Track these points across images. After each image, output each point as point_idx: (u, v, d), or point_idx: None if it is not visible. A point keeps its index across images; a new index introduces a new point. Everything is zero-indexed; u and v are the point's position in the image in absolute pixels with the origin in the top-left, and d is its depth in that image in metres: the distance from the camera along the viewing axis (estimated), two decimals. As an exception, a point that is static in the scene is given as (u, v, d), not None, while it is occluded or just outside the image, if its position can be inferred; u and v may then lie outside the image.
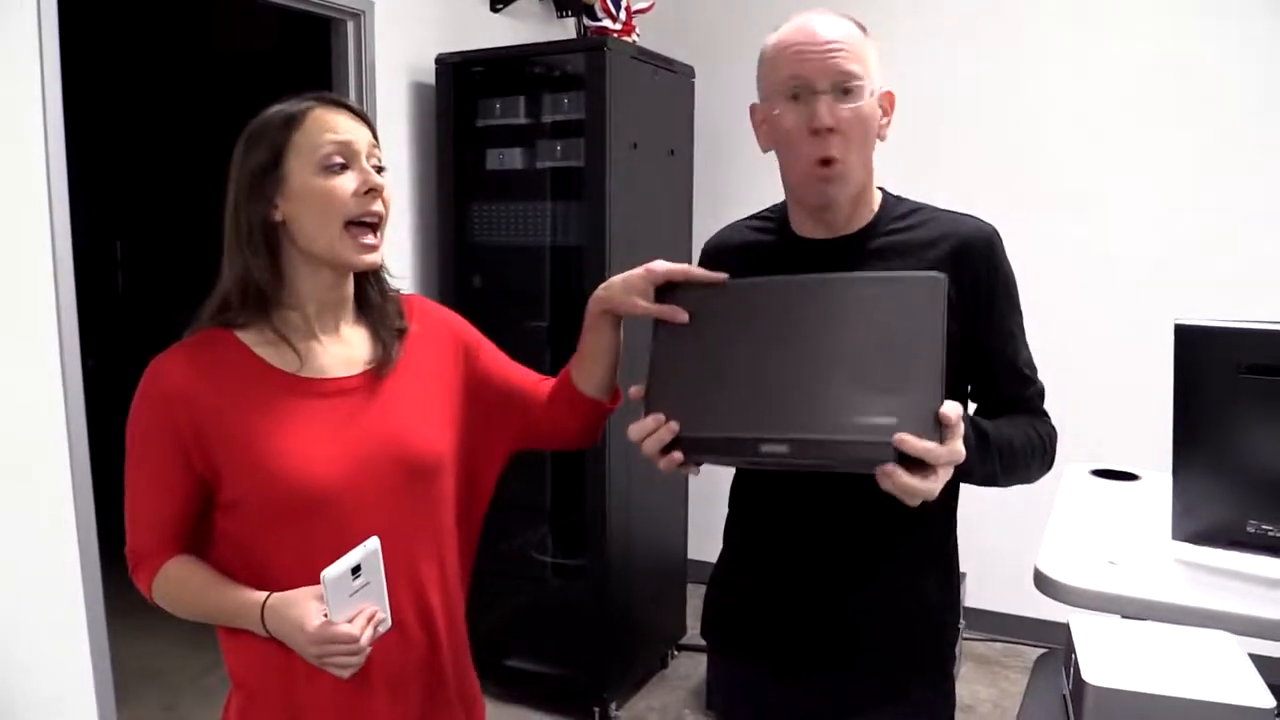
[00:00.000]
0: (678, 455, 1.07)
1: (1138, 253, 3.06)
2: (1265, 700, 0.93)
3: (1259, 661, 1.02)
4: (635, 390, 1.13)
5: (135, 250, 4.94)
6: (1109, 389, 3.05)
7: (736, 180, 3.43)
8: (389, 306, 1.19)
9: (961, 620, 2.71)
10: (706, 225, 1.43)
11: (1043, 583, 1.30)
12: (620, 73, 2.65)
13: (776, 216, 1.29)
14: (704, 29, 3.59)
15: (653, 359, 1.13)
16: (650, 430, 1.07)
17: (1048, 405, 1.26)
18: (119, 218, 4.83)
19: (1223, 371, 1.23)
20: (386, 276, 1.21)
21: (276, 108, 1.09)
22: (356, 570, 0.98)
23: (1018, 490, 1.22)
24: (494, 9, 3.26)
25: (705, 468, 1.09)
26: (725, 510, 1.35)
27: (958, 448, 0.98)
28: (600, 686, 2.79)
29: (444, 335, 1.24)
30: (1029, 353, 1.24)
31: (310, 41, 3.00)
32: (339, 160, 1.07)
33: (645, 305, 1.14)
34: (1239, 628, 1.12)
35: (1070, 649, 1.07)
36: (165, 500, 1.09)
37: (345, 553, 0.98)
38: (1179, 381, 1.27)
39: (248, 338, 1.10)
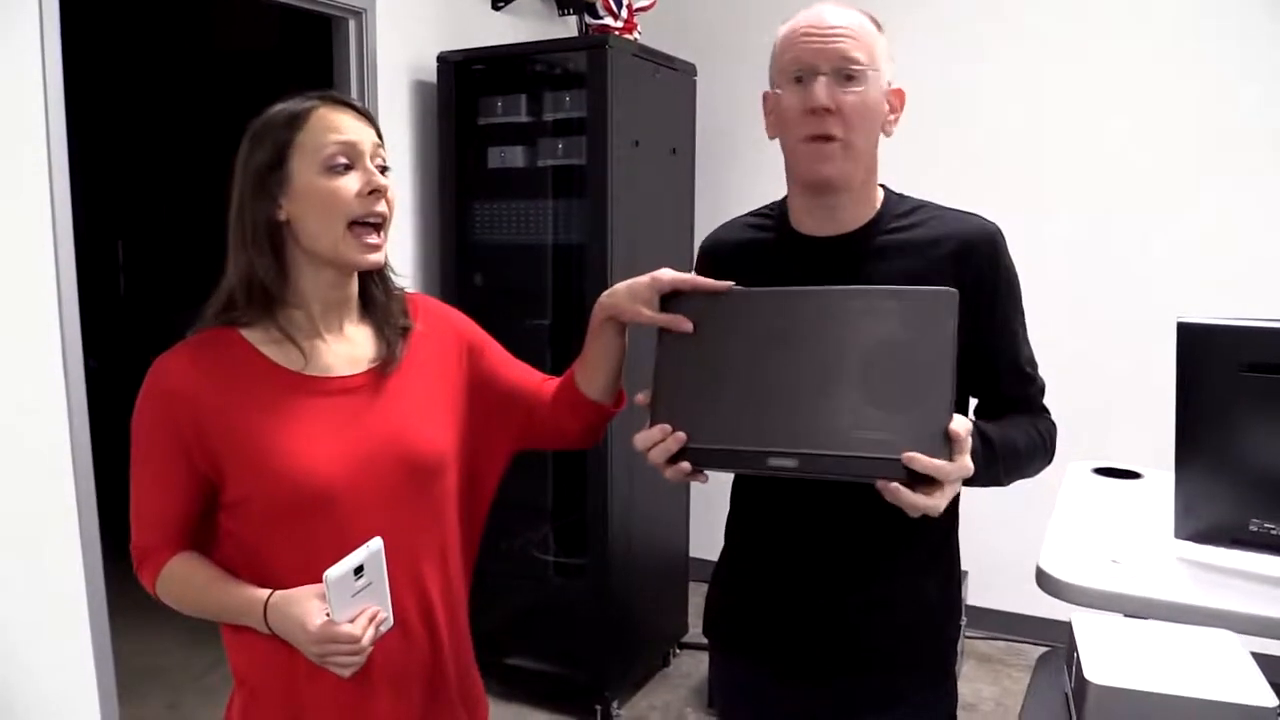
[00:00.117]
0: (686, 465, 1.07)
1: (1140, 251, 3.06)
2: (1268, 699, 0.93)
3: (1261, 660, 1.02)
4: (641, 397, 1.13)
5: (137, 251, 4.94)
6: (1111, 387, 3.05)
7: (738, 178, 3.43)
8: (393, 305, 1.19)
9: (963, 619, 2.71)
10: (708, 223, 1.43)
11: (1045, 581, 1.30)
12: (622, 71, 2.65)
13: (775, 214, 1.29)
14: (705, 27, 3.59)
15: (658, 367, 1.13)
16: (656, 440, 1.07)
17: (1049, 403, 1.26)
18: (121, 218, 4.83)
19: (1225, 369, 1.23)
20: (391, 275, 1.21)
21: (281, 106, 1.09)
22: (359, 571, 0.98)
23: (1019, 489, 1.22)
24: (495, 7, 3.26)
25: (709, 469, 1.09)
26: (727, 509, 1.35)
27: (966, 463, 0.98)
28: (602, 685, 2.79)
29: (448, 334, 1.24)
30: (1030, 351, 1.24)
31: (312, 40, 3.00)
32: (343, 161, 1.07)
33: (650, 314, 1.14)
34: (1241, 626, 1.12)
35: (1072, 647, 1.07)
36: (169, 498, 1.09)
37: (348, 551, 0.98)
38: (1181, 380, 1.26)
39: (252, 336, 1.10)
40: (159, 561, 1.10)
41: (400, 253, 2.87)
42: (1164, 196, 3.02)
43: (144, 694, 2.88)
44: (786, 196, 1.28)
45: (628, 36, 2.92)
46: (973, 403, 1.25)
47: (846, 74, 1.12)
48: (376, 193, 1.09)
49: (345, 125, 1.08)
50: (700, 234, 1.41)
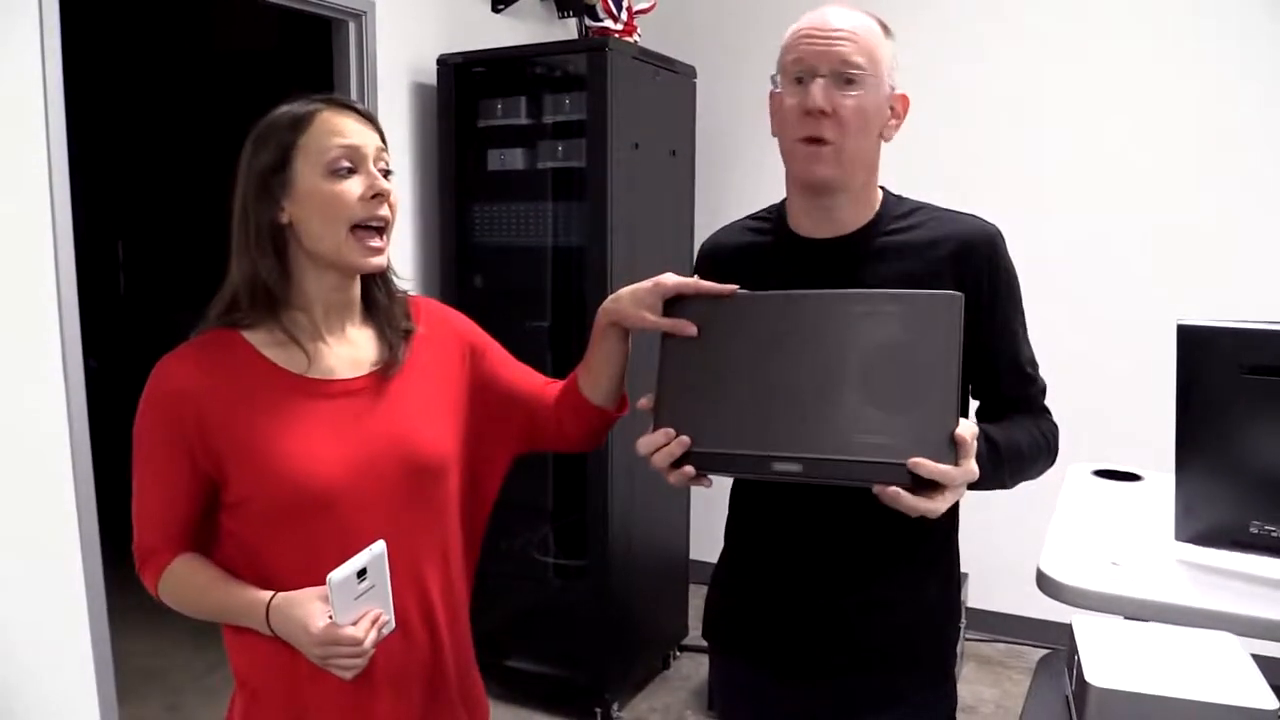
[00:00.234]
0: (689, 470, 1.07)
1: (1140, 252, 3.06)
2: (1268, 701, 0.93)
3: (1262, 662, 1.02)
4: (644, 401, 1.13)
5: (137, 251, 4.94)
6: (1111, 389, 3.05)
7: (738, 181, 3.43)
8: (395, 308, 1.19)
9: (963, 621, 2.71)
10: (707, 225, 1.43)
11: (1045, 583, 1.30)
12: (621, 73, 2.65)
13: (774, 216, 1.29)
14: (705, 29, 3.59)
15: (661, 371, 1.13)
16: (660, 445, 1.07)
17: (1050, 405, 1.26)
18: (121, 218, 4.83)
19: (1225, 372, 1.23)
20: (393, 278, 1.21)
21: (284, 108, 1.09)
22: (362, 573, 0.99)
23: (1020, 491, 1.22)
24: (495, 9, 3.26)
25: (710, 471, 1.09)
26: (727, 511, 1.35)
27: (971, 467, 0.98)
28: (602, 687, 2.79)
29: (450, 337, 1.24)
30: (1031, 351, 1.24)
31: (312, 42, 3.00)
32: (346, 164, 1.07)
33: (653, 319, 1.14)
34: (1242, 629, 1.12)
35: (1073, 650, 1.07)
36: (171, 499, 1.09)
37: (350, 553, 0.98)
38: (1181, 382, 1.26)
39: (255, 338, 1.10)
40: (161, 562, 1.10)
41: (400, 255, 2.86)
42: (1164, 197, 3.02)
43: (144, 695, 2.88)
44: (786, 199, 1.29)
45: (627, 39, 2.92)
46: (974, 404, 1.25)
47: (845, 77, 1.12)
48: (379, 197, 1.09)
49: (349, 129, 1.08)
50: (700, 236, 1.41)
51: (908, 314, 1.02)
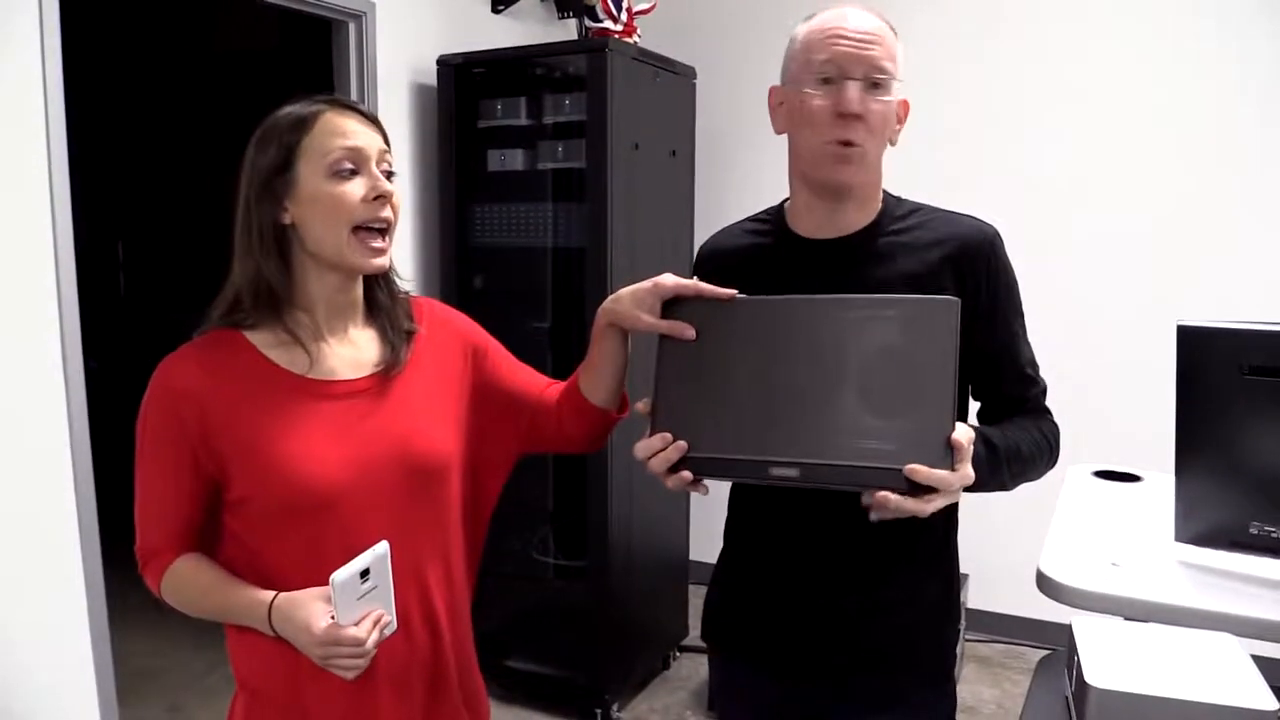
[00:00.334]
0: (687, 474, 1.07)
1: (1140, 253, 3.06)
2: (1268, 702, 0.93)
3: (1262, 663, 1.02)
4: (642, 404, 1.13)
5: (137, 251, 4.94)
6: (1111, 390, 3.05)
7: (738, 181, 3.43)
8: (398, 309, 1.19)
9: (963, 622, 2.71)
10: (707, 226, 1.43)
11: (1045, 584, 1.30)
12: (621, 74, 2.65)
13: (773, 217, 1.29)
14: (705, 30, 3.59)
15: (658, 375, 1.13)
16: (657, 449, 1.07)
17: (1050, 405, 1.26)
18: (121, 219, 4.83)
19: (1225, 373, 1.23)
20: (396, 279, 1.21)
21: (288, 109, 1.10)
22: (365, 574, 0.99)
23: (1020, 492, 1.22)
24: (495, 10, 3.26)
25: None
26: (726, 511, 1.35)
27: (967, 472, 0.98)
28: (602, 687, 2.79)
29: (453, 338, 1.24)
30: (1031, 352, 1.24)
31: (312, 42, 3.00)
32: (348, 166, 1.07)
33: (651, 321, 1.13)
34: (1242, 629, 1.12)
35: (1072, 651, 1.07)
36: (174, 499, 1.09)
37: (352, 553, 0.99)
38: (1181, 383, 1.26)
39: (257, 339, 1.11)
40: (164, 562, 1.10)
41: (400, 255, 2.86)
42: (1164, 198, 3.02)
43: (144, 695, 2.87)
44: (784, 201, 1.29)
45: (627, 40, 2.92)
46: (975, 406, 1.26)
47: (875, 81, 1.13)
48: (381, 198, 1.09)
49: (352, 130, 1.08)
50: (700, 237, 1.41)
51: (905, 319, 1.02)
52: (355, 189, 1.07)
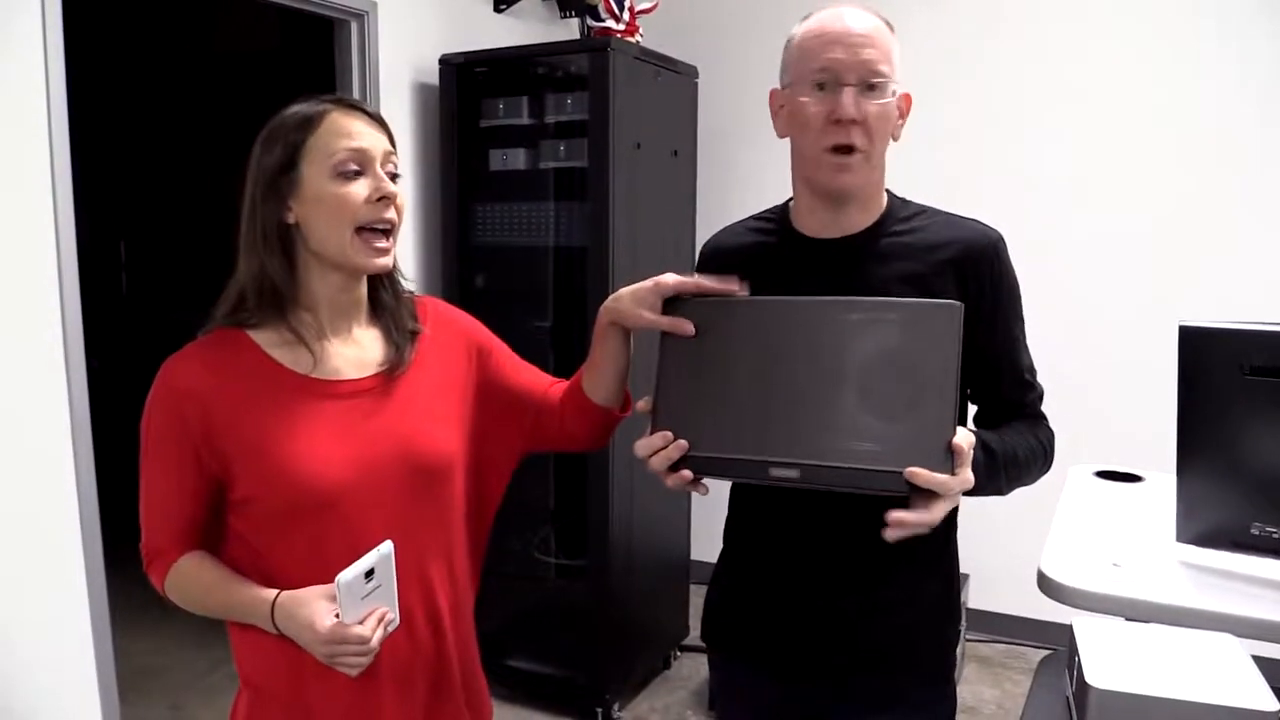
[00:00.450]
0: (687, 473, 1.07)
1: (1140, 253, 3.06)
2: (1269, 703, 0.93)
3: (1263, 664, 1.02)
4: (643, 403, 1.13)
5: (139, 251, 4.95)
6: (1113, 390, 3.05)
7: (740, 180, 3.43)
8: (402, 309, 1.20)
9: (963, 622, 2.71)
10: (709, 225, 1.43)
11: (1046, 585, 1.30)
12: (623, 73, 2.65)
13: (777, 216, 1.29)
14: (707, 29, 3.59)
15: (660, 374, 1.13)
16: (658, 448, 1.07)
17: (1051, 406, 1.26)
18: (123, 218, 4.84)
19: (1227, 373, 1.23)
20: (400, 280, 1.21)
21: (294, 108, 1.10)
22: (370, 574, 0.99)
23: (1021, 492, 1.22)
24: (497, 9, 3.27)
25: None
26: (726, 512, 1.35)
27: (967, 476, 0.98)
28: (602, 687, 2.79)
29: (456, 337, 1.24)
30: (1030, 357, 1.24)
31: (314, 42, 3.00)
32: (353, 166, 1.07)
33: (652, 318, 1.13)
34: (1243, 630, 1.12)
35: (1073, 651, 1.07)
36: (178, 498, 1.10)
37: (356, 553, 0.99)
38: (1183, 383, 1.26)
39: (261, 338, 1.11)
40: (168, 561, 1.11)
41: (402, 255, 2.84)
42: (1164, 199, 3.01)
43: (146, 694, 2.88)
44: (789, 200, 1.29)
45: (629, 39, 2.92)
46: (971, 409, 1.26)
47: (870, 84, 1.12)
48: (385, 199, 1.09)
49: (357, 131, 1.08)
50: (702, 236, 1.41)
51: (908, 322, 1.02)
52: (359, 190, 1.07)
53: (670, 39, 3.21)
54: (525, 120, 2.87)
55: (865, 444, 1.00)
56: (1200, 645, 1.05)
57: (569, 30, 3.50)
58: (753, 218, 1.33)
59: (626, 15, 2.98)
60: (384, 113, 1.19)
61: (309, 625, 1.00)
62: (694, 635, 3.25)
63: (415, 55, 2.92)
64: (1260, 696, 0.94)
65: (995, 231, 1.21)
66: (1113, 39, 3.04)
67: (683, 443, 1.07)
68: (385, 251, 1.11)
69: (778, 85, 1.22)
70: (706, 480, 1.10)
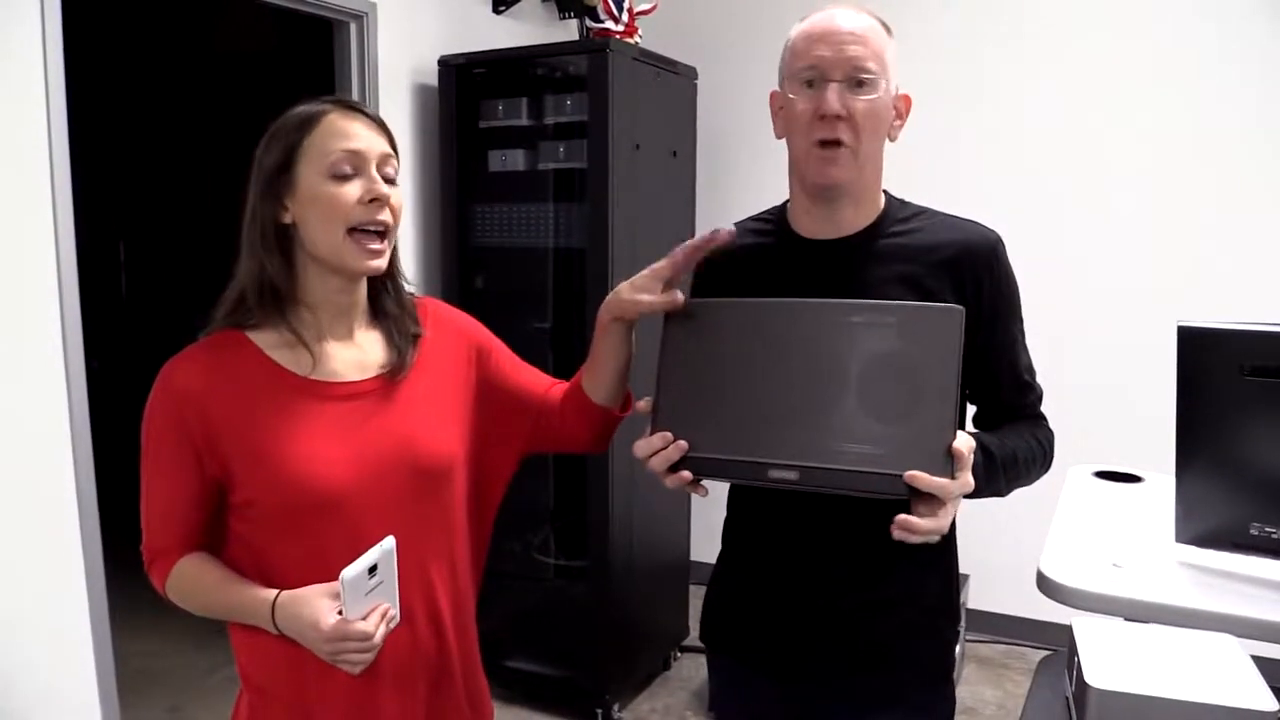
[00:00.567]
0: (687, 474, 1.07)
1: (1141, 254, 3.06)
2: (1268, 703, 0.93)
3: (1262, 664, 1.02)
4: (643, 404, 1.13)
5: (139, 252, 4.95)
6: (1112, 391, 3.05)
7: (739, 181, 3.43)
8: (405, 313, 1.19)
9: (962, 622, 2.71)
10: (709, 226, 1.42)
11: (1046, 585, 1.30)
12: (622, 74, 2.65)
13: (775, 217, 1.29)
14: (706, 30, 3.59)
15: (660, 375, 1.13)
16: (657, 448, 1.08)
17: (1051, 407, 1.26)
18: (122, 219, 4.84)
19: (1226, 373, 1.23)
20: (403, 283, 1.21)
21: (297, 109, 1.10)
22: (373, 569, 1.00)
23: (1021, 492, 1.22)
24: (496, 11, 3.27)
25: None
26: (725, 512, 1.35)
27: (968, 479, 0.99)
28: (602, 688, 2.79)
29: (457, 339, 1.24)
30: (1029, 358, 1.24)
31: (313, 43, 3.00)
32: (346, 168, 1.07)
33: (649, 299, 1.13)
34: (1242, 630, 1.12)
35: (1073, 651, 1.07)
36: (178, 500, 1.10)
37: (354, 555, 0.99)
38: (1182, 383, 1.26)
39: (260, 339, 1.11)
40: (169, 563, 1.11)
41: (401, 255, 2.86)
42: (1164, 199, 3.02)
43: (145, 696, 2.87)
44: (787, 200, 1.29)
45: (629, 40, 2.93)
46: (971, 409, 1.26)
47: (858, 80, 1.13)
48: (377, 201, 1.08)
49: (354, 132, 1.08)
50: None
51: (908, 326, 1.02)
52: (351, 191, 1.07)
53: (669, 40, 3.21)
54: (524, 121, 2.87)
55: (864, 447, 1.00)
56: (1200, 645, 1.05)
57: (568, 31, 3.51)
58: (751, 218, 1.33)
59: (625, 16, 2.98)
60: (383, 114, 1.20)
61: (312, 623, 1.00)
62: (694, 636, 3.25)
63: (414, 56, 2.92)
64: (1260, 697, 0.94)
65: (994, 233, 1.21)
66: (1113, 39, 3.04)
67: (682, 444, 1.07)
68: (378, 254, 1.10)
69: (778, 87, 1.23)
70: (706, 481, 1.10)
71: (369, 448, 1.10)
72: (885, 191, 1.25)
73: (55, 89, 1.97)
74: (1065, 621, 1.14)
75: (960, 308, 1.03)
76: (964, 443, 0.99)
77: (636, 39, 3.00)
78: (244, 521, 1.09)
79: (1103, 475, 1.78)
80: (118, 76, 4.52)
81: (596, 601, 2.78)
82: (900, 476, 0.97)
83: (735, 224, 1.35)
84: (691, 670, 3.17)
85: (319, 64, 2.85)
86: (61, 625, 2.04)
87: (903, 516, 0.98)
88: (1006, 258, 1.21)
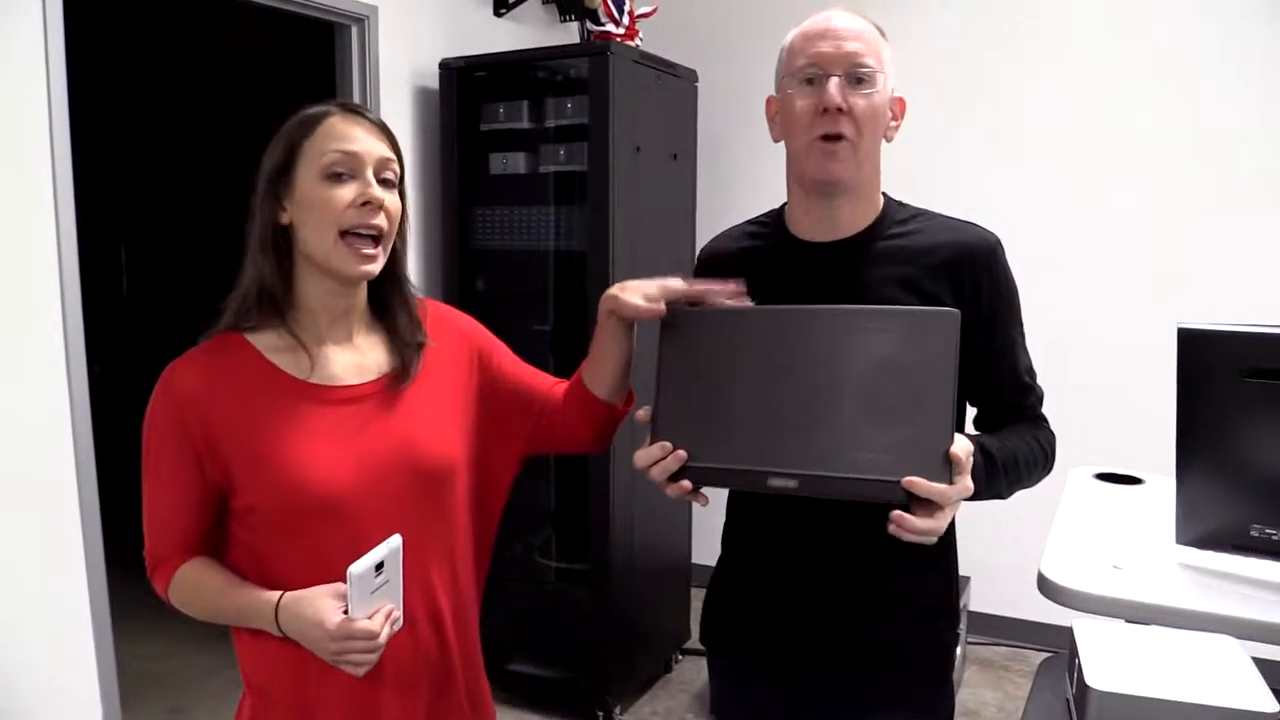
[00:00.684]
0: (687, 484, 1.07)
1: (1141, 256, 3.06)
2: (1269, 704, 0.93)
3: (1263, 666, 1.02)
4: (642, 413, 1.13)
5: (140, 255, 4.95)
6: (1112, 392, 3.05)
7: (739, 184, 3.43)
8: (411, 320, 1.18)
9: (962, 624, 2.71)
10: (709, 229, 1.44)
11: (1046, 587, 1.30)
12: (623, 77, 2.66)
13: (773, 220, 1.29)
14: (707, 33, 3.60)
15: (659, 383, 1.13)
16: (657, 458, 1.08)
17: (1051, 408, 1.26)
18: (124, 222, 4.84)
19: (1226, 375, 1.23)
20: (411, 291, 1.20)
21: (304, 111, 1.10)
22: (379, 567, 1.00)
23: (1022, 494, 1.22)
24: (497, 14, 3.27)
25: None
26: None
27: (967, 484, 0.99)
28: (604, 690, 2.79)
29: (458, 340, 1.24)
30: (1029, 360, 1.24)
31: (314, 46, 3.01)
32: (341, 170, 1.07)
33: (647, 306, 1.13)
34: (1243, 632, 1.12)
35: (1074, 653, 1.07)
36: (180, 505, 1.10)
37: (356, 558, 0.99)
38: (1182, 385, 1.26)
39: (260, 342, 1.11)
40: (171, 568, 1.11)
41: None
42: (1164, 200, 3.02)
43: (147, 699, 2.87)
44: (785, 203, 1.29)
45: (629, 43, 2.93)
46: (971, 412, 1.26)
47: (857, 77, 1.14)
48: (370, 204, 1.07)
49: (353, 135, 1.08)
50: (702, 239, 1.42)
51: (905, 331, 1.02)
52: (345, 193, 1.07)
53: (670, 43, 3.22)
54: (525, 124, 2.87)
55: (863, 453, 1.00)
56: (1200, 647, 1.06)
57: (569, 34, 3.51)
58: (749, 222, 1.33)
59: (626, 19, 2.98)
60: (384, 117, 1.20)
61: (316, 623, 1.00)
62: (695, 638, 3.25)
63: (415, 59, 2.93)
64: (1260, 698, 0.94)
65: (993, 235, 1.21)
66: (1113, 39, 3.04)
67: (681, 453, 1.07)
68: (371, 259, 1.09)
69: (774, 93, 1.23)
70: (706, 489, 1.10)
71: (369, 451, 1.10)
72: (884, 193, 1.25)
73: (57, 92, 1.98)
74: (1066, 623, 1.14)
75: (955, 311, 1.03)
76: (962, 447, 0.99)
77: (637, 42, 3.00)
78: (246, 528, 1.09)
79: (1103, 477, 1.78)
80: (118, 79, 4.53)
81: (597, 604, 2.78)
82: (899, 483, 0.97)
83: (733, 228, 1.35)
84: (692, 673, 3.17)
85: (320, 67, 2.86)
86: (64, 628, 2.04)
87: (898, 513, 0.98)
88: (1005, 259, 1.21)
